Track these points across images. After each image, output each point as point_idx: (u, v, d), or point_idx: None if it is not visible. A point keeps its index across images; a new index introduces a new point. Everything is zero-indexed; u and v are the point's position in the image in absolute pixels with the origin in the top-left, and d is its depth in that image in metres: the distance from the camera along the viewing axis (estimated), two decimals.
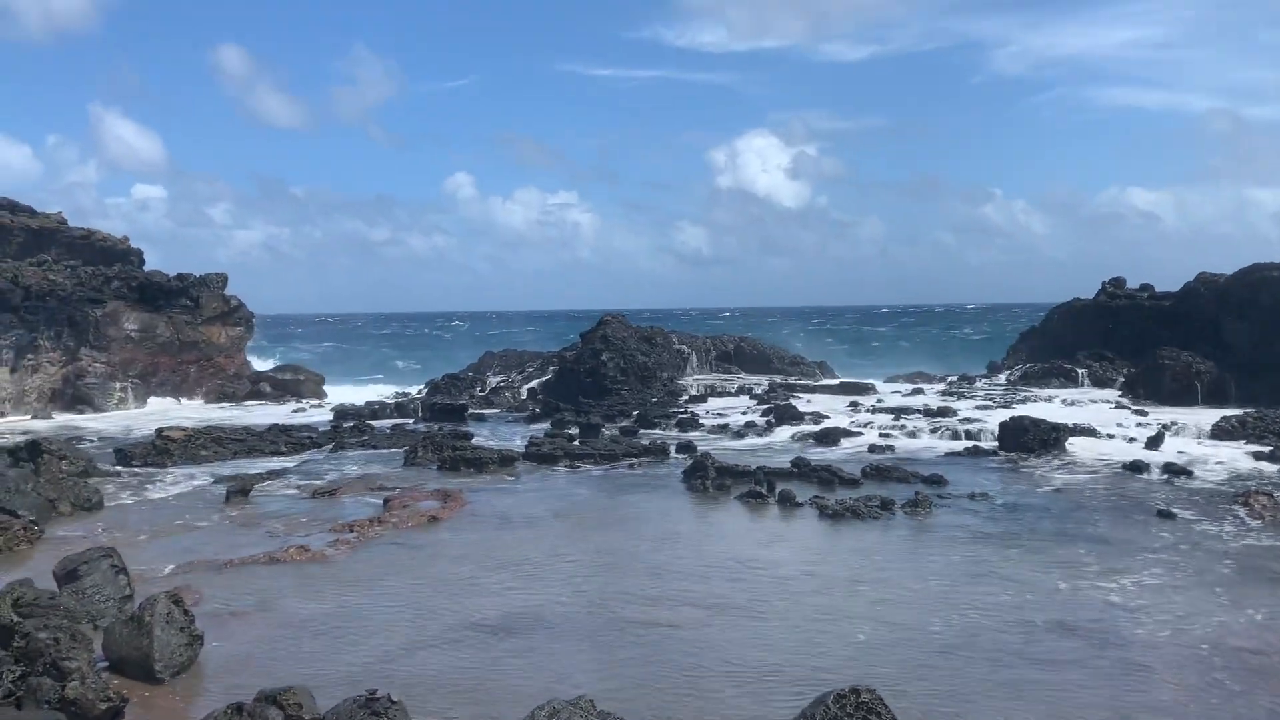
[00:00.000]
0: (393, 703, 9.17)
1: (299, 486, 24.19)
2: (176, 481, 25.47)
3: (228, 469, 27.01)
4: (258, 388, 50.76)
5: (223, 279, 53.74)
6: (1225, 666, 11.62)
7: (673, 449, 27.91)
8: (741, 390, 41.81)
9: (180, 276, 52.36)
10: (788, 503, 20.78)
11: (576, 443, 28.49)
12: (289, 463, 28.58)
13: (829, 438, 29.51)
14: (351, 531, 18.55)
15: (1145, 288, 42.87)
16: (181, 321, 50.61)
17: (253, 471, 26.06)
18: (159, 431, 30.48)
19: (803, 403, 36.60)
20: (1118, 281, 43.85)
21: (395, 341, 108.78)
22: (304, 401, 48.58)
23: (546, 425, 33.86)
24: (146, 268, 52.07)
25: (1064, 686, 11.02)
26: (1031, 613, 13.59)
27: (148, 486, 24.61)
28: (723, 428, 32.49)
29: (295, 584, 15.27)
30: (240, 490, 22.76)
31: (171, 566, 16.31)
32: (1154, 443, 27.88)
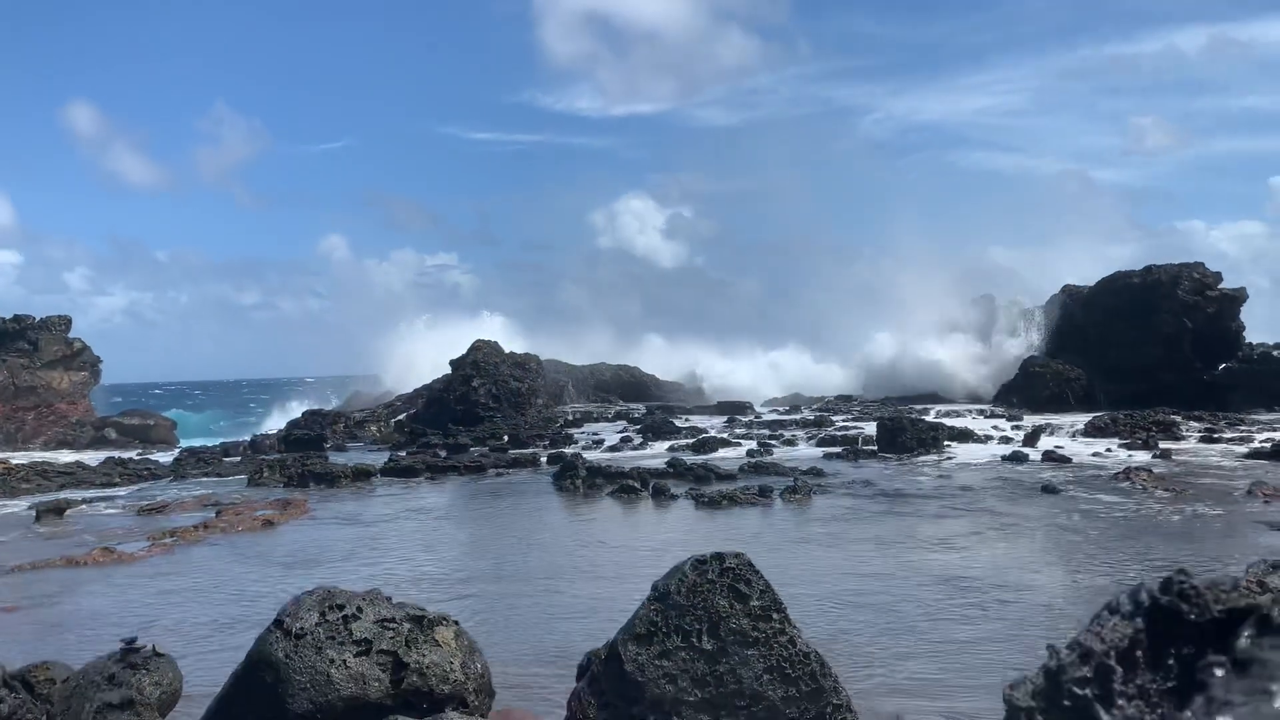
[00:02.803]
0: (158, 655, 7.39)
1: (125, 507, 21.74)
2: None
3: (49, 499, 24.25)
4: (102, 434, 47.11)
5: (66, 321, 50.23)
6: None
7: (544, 460, 26.34)
8: (619, 416, 40.49)
9: (17, 318, 48.70)
10: (662, 495, 19.44)
11: (442, 456, 26.67)
12: (121, 492, 25.95)
13: (706, 447, 28.35)
14: (171, 536, 16.42)
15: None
16: (18, 366, 46.89)
17: (76, 498, 23.44)
18: None
19: (680, 420, 35.49)
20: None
21: (259, 399, 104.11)
22: (154, 447, 45.23)
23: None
24: None
25: (971, 636, 9.90)
26: (925, 573, 12.49)
27: None
28: (598, 443, 31.06)
29: (90, 584, 13.16)
30: (53, 510, 20.26)
31: None
32: (1031, 440, 27.59)
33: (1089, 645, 1.45)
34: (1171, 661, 1.39)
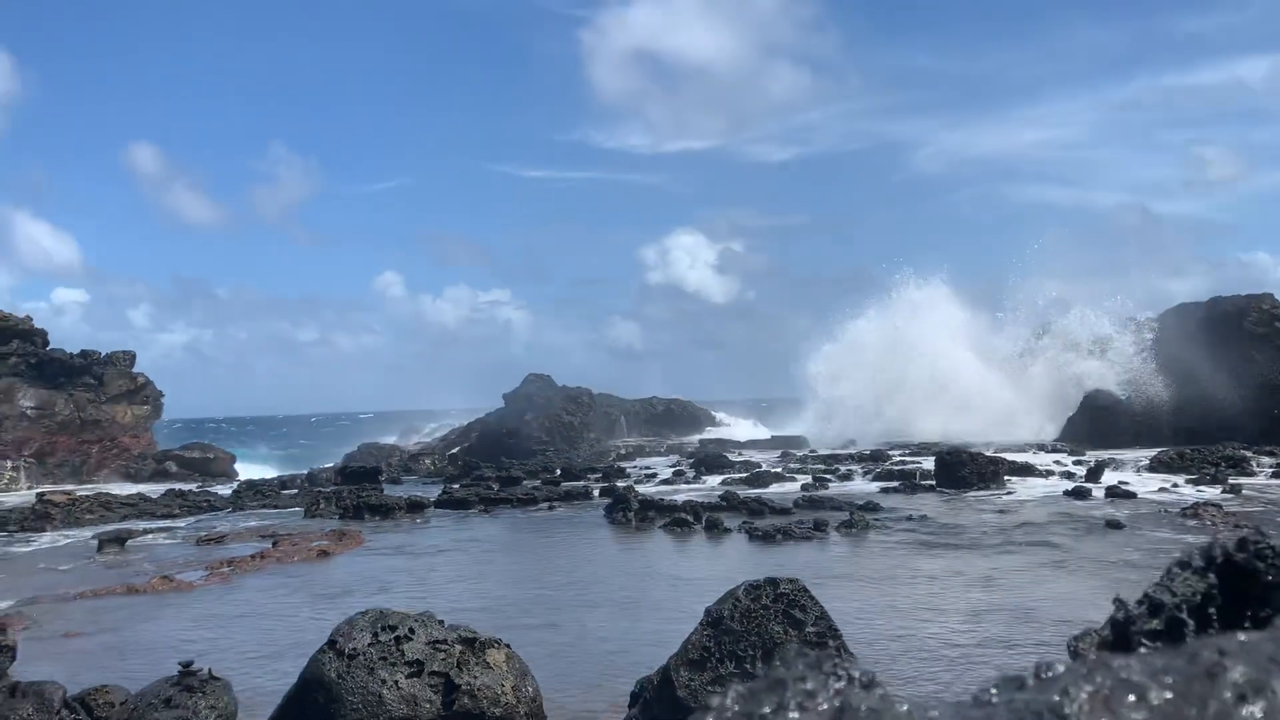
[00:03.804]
0: (214, 679, 7.45)
1: (184, 537, 22.09)
2: (52, 541, 23.17)
3: (112, 529, 24.73)
4: (163, 467, 47.98)
5: (130, 356, 51.51)
6: None
7: (596, 493, 26.30)
8: (672, 450, 40.39)
9: (84, 354, 50.00)
10: (715, 528, 19.28)
11: (495, 489, 26.76)
12: (181, 523, 26.38)
13: (760, 480, 28.12)
14: (228, 566, 16.62)
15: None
16: (84, 400, 48.01)
17: (138, 528, 23.87)
18: (40, 496, 28.17)
19: (734, 455, 35.29)
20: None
21: (316, 434, 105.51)
22: (213, 480, 45.96)
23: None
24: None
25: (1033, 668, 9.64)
26: (985, 607, 12.21)
27: (15, 546, 22.30)
28: (650, 476, 30.97)
29: (149, 611, 13.35)
30: (115, 539, 20.64)
31: (10, 602, 14.27)
32: (1094, 475, 26.93)
33: (1159, 598, 1.39)
34: (1247, 624, 1.33)
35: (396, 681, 5.53)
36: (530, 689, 6.01)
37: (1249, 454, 28.85)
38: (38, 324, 48.94)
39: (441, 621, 5.89)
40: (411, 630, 5.76)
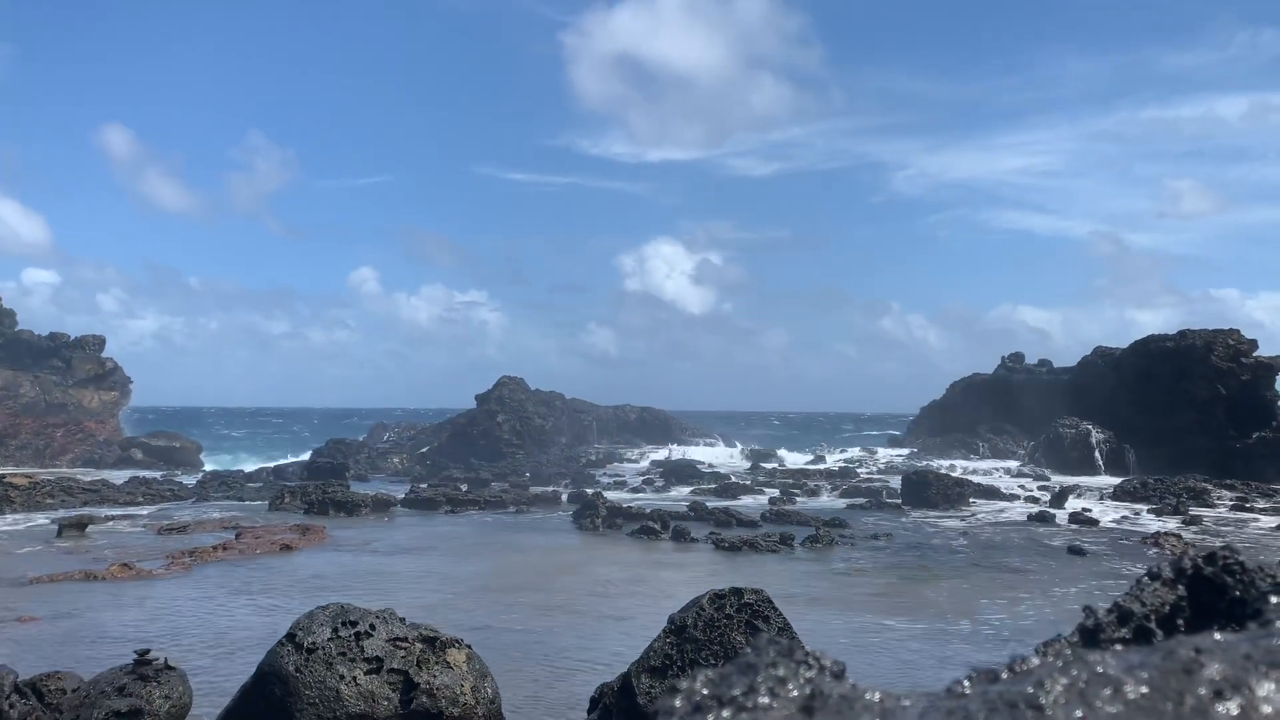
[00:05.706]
0: (169, 668, 7.34)
1: (146, 525, 21.81)
2: (11, 525, 22.82)
3: (73, 514, 24.39)
4: (128, 454, 47.39)
5: (99, 341, 50.83)
6: None
7: (564, 498, 26.23)
8: (642, 458, 40.37)
9: (53, 336, 49.32)
10: (682, 537, 19.29)
11: (463, 490, 26.65)
12: (143, 511, 26.06)
13: (728, 492, 28.18)
14: (189, 556, 16.43)
15: (1044, 362, 43.08)
16: (50, 382, 47.40)
17: (99, 514, 23.56)
18: (0, 478, 27.75)
19: (704, 465, 35.32)
20: (1017, 356, 44.02)
21: (286, 427, 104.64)
22: (179, 469, 45.46)
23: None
24: None
25: None
26: (946, 626, 12.26)
27: None
28: (620, 483, 30.93)
29: (107, 598, 13.16)
30: (76, 525, 20.36)
31: None
32: (1058, 501, 27.17)
33: (1128, 607, 1.40)
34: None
35: (355, 677, 5.48)
36: (489, 690, 5.97)
37: (1210, 486, 29.19)
38: (6, 304, 48.26)
39: (403, 619, 5.85)
40: (372, 626, 5.71)
